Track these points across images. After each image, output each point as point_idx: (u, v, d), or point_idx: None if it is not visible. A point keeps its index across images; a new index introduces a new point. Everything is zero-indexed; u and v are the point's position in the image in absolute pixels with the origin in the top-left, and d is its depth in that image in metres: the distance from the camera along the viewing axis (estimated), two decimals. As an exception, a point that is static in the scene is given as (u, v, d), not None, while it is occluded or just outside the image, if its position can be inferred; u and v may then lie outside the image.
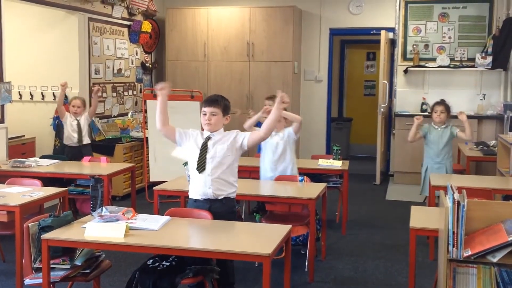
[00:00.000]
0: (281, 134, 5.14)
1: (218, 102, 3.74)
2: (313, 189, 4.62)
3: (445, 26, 8.51)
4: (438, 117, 5.90)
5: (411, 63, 8.60)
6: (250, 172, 5.42)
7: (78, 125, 6.34)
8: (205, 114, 3.74)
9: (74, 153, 6.27)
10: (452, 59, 8.44)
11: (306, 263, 4.68)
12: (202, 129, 3.84)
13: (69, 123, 6.33)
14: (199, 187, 3.73)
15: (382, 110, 8.43)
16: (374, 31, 8.68)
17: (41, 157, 5.96)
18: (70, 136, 6.34)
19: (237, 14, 8.58)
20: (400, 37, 8.66)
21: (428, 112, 8.04)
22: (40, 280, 3.28)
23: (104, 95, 7.79)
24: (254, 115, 5.15)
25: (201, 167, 3.69)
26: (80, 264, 3.41)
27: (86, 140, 6.47)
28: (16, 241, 4.05)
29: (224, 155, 3.71)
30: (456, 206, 2.76)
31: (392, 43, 8.78)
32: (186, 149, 3.80)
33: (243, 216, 5.73)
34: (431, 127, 5.96)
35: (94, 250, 3.53)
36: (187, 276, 3.27)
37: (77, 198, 5.56)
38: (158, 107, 3.77)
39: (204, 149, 3.72)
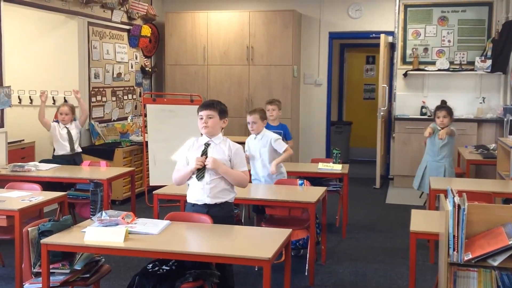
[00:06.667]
0: (263, 140, 5.17)
1: (213, 105, 3.73)
2: (313, 193, 4.61)
3: (444, 29, 8.51)
4: (441, 123, 5.86)
5: (410, 67, 8.61)
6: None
7: (68, 133, 6.18)
8: (201, 118, 3.73)
9: (67, 163, 6.04)
10: (451, 63, 8.45)
11: (306, 267, 4.67)
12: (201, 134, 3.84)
13: (58, 132, 6.16)
14: (198, 194, 3.72)
15: (381, 113, 8.43)
16: (374, 34, 8.69)
17: (40, 162, 5.93)
18: (62, 145, 6.17)
19: (236, 18, 8.59)
20: (399, 41, 8.67)
21: (429, 116, 8.05)
22: (40, 285, 3.27)
23: (104, 99, 7.80)
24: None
25: (200, 175, 3.68)
26: (79, 268, 3.41)
27: (78, 148, 6.33)
28: (15, 245, 4.05)
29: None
30: (456, 209, 2.76)
31: (392, 46, 8.78)
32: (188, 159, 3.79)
33: (242, 220, 5.73)
34: (435, 128, 5.96)
35: (93, 254, 3.52)
36: (187, 280, 3.26)
37: (77, 203, 5.54)
38: (185, 173, 3.71)
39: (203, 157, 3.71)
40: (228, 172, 3.68)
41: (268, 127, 5.84)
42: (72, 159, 6.18)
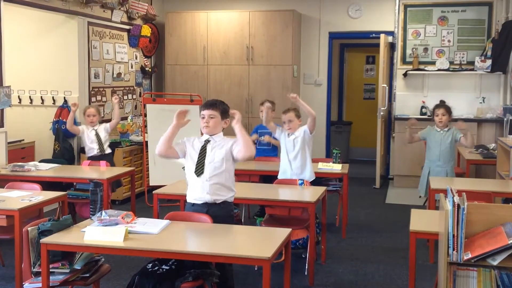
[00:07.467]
0: (297, 133, 5.17)
1: (216, 105, 3.77)
2: (313, 193, 4.61)
3: (444, 29, 8.52)
4: (440, 121, 5.83)
5: (410, 67, 8.61)
6: (249, 176, 5.42)
7: (97, 134, 6.14)
8: (203, 117, 3.77)
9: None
10: (451, 63, 8.45)
11: (306, 267, 4.67)
12: (202, 134, 3.85)
13: (87, 135, 6.12)
14: (197, 192, 3.73)
15: (381, 113, 8.43)
16: (374, 34, 8.69)
17: (40, 161, 5.94)
18: (90, 147, 6.14)
19: (236, 18, 8.59)
20: (399, 41, 8.67)
21: (428, 116, 8.05)
22: (40, 285, 3.27)
23: (104, 99, 7.80)
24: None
25: (199, 170, 3.70)
26: (79, 268, 3.40)
27: (108, 150, 6.29)
28: (15, 245, 4.05)
29: (222, 161, 3.71)
30: (456, 209, 2.76)
31: (392, 46, 8.78)
32: (187, 155, 3.79)
33: (242, 220, 5.73)
34: (433, 130, 5.88)
35: (93, 254, 3.52)
36: (187, 280, 3.26)
37: (77, 202, 5.55)
38: (168, 133, 3.72)
39: (203, 153, 3.73)
40: (244, 131, 3.66)
41: (262, 127, 5.86)
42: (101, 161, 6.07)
